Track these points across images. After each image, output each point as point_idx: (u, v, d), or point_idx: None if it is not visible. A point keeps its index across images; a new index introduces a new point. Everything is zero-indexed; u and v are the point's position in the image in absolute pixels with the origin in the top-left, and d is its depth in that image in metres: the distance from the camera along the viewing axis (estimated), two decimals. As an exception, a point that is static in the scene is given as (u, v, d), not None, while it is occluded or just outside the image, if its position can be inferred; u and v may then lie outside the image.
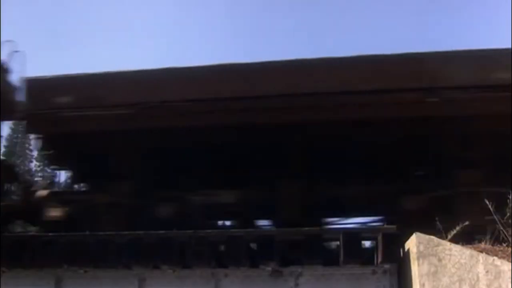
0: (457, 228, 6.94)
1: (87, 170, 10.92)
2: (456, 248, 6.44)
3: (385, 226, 7.66)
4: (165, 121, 9.85)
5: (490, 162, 9.39)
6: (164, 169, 10.40)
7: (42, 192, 11.03)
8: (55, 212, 10.27)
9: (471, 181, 9.28)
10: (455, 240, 6.74)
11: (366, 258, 7.69)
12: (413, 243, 6.96)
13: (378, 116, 9.38)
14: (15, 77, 11.89)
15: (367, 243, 8.77)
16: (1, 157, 12.26)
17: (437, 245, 6.65)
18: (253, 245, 8.53)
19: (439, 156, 9.86)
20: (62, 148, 10.69)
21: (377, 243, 7.55)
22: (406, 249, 7.34)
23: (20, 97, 11.03)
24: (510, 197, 6.85)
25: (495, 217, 6.74)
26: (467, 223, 7.05)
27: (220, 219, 11.75)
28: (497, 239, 6.72)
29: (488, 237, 6.81)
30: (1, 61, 11.51)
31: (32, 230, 10.96)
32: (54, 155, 11.19)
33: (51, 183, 12.96)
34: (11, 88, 11.43)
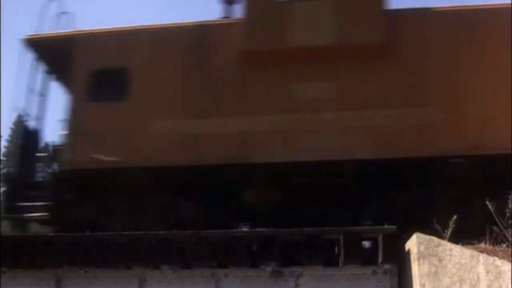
0: (453, 226, 6.92)
1: None
2: (457, 249, 6.43)
3: (386, 226, 7.63)
4: None
5: None
6: None
7: None
8: None
9: None
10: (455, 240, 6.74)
11: (367, 258, 7.67)
12: (414, 243, 6.95)
13: None
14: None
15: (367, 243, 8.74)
16: None
17: (438, 246, 6.64)
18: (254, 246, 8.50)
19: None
20: None
21: (377, 243, 7.54)
22: (406, 250, 7.33)
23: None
24: (510, 198, 6.86)
25: (495, 217, 6.74)
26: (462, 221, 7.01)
27: None
28: (496, 239, 6.72)
29: (488, 237, 6.81)
30: None
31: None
32: None
33: None
34: None
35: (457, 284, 6.27)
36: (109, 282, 8.23)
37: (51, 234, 8.72)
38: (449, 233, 6.97)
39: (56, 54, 10.89)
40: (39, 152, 11.59)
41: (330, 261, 7.75)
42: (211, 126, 9.77)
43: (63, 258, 8.34)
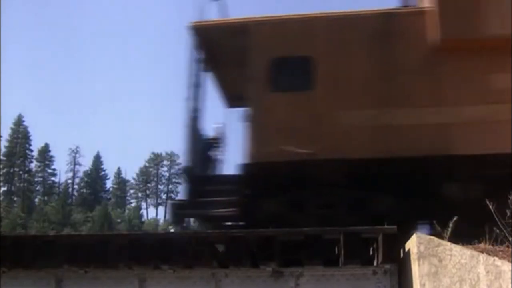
0: (451, 226, 6.91)
1: None
2: (457, 249, 6.43)
3: (386, 226, 7.62)
4: None
5: None
6: None
7: None
8: None
9: None
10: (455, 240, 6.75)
11: (367, 258, 7.67)
12: (414, 243, 6.95)
13: None
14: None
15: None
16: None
17: (438, 246, 6.65)
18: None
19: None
20: None
21: (377, 243, 7.54)
22: (406, 250, 7.33)
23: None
24: (510, 198, 6.85)
25: (496, 217, 6.74)
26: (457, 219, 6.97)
27: None
28: (496, 239, 6.72)
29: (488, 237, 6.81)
30: None
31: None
32: None
33: None
34: None
35: (457, 284, 6.27)
36: (109, 282, 8.23)
37: (51, 234, 8.68)
38: (449, 233, 6.97)
39: (223, 41, 10.63)
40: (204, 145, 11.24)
41: (330, 261, 7.75)
42: (407, 117, 9.57)
43: (63, 258, 8.34)
